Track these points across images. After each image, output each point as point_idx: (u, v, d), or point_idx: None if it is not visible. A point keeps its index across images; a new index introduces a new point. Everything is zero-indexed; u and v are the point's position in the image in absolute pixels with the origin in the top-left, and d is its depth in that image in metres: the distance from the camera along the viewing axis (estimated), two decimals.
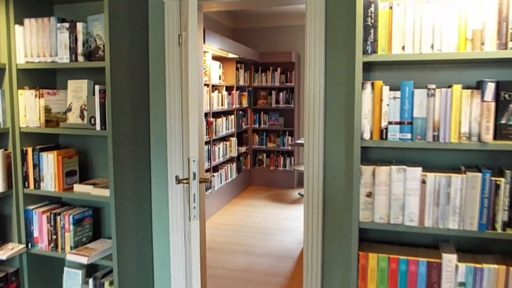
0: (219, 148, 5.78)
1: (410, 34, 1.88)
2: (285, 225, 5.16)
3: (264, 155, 7.23)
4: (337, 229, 2.44)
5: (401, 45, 1.89)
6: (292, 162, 7.07)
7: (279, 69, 6.99)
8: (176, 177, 2.05)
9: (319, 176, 2.42)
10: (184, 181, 2.00)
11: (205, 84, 5.31)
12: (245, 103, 6.87)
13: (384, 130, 1.93)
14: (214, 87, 5.93)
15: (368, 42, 1.91)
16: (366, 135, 1.95)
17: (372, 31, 1.90)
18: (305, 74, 2.40)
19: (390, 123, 1.93)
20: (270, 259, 4.14)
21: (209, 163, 5.45)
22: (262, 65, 7.12)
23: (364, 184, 1.97)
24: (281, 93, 7.03)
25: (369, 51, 1.91)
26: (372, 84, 1.92)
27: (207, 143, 5.43)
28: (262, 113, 7.15)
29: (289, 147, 7.05)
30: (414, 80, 2.09)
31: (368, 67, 2.17)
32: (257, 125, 7.17)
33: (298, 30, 7.11)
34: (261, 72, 7.06)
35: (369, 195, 1.97)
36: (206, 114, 5.39)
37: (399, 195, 1.93)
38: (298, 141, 6.06)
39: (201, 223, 3.33)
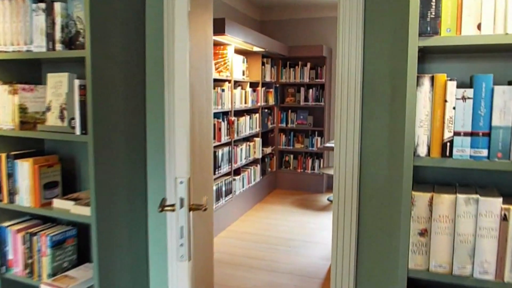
0: (241, 150, 5.27)
1: (490, 6, 1.29)
2: (312, 236, 4.60)
3: (291, 156, 6.67)
4: (375, 263, 1.88)
5: (475, 23, 1.31)
6: (321, 165, 6.48)
7: (308, 64, 6.40)
8: (162, 200, 1.54)
9: (352, 192, 1.87)
10: (169, 207, 1.48)
11: (226, 80, 4.81)
12: (271, 101, 6.33)
13: (448, 144, 1.36)
14: (237, 83, 5.41)
15: (428, 19, 1.34)
16: (422, 150, 1.38)
17: (433, 2, 1.33)
18: (337, 64, 1.85)
19: (456, 133, 1.35)
20: (294, 278, 3.60)
21: (230, 166, 4.95)
22: (290, 59, 6.55)
23: (417, 217, 1.40)
24: (310, 90, 6.45)
25: (429, 31, 1.34)
26: (432, 79, 1.35)
27: (227, 144, 4.92)
28: (289, 111, 6.59)
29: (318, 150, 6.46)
30: (493, 73, 1.50)
31: (423, 55, 1.59)
32: (284, 124, 6.62)
33: (330, 22, 6.50)
34: (289, 67, 6.50)
35: (424, 233, 1.40)
36: (227, 113, 4.88)
37: (467, 236, 1.35)
38: (327, 144, 5.45)
39: (208, 240, 2.83)
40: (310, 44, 6.47)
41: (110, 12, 1.94)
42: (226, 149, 4.83)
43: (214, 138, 4.54)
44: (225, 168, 4.82)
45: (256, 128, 5.77)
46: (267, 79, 6.14)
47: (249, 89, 5.47)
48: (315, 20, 6.57)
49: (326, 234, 4.66)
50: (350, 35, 1.77)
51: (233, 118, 4.89)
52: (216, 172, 4.61)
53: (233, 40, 4.63)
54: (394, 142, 1.75)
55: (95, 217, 1.90)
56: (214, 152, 4.58)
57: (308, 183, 6.54)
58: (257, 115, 5.79)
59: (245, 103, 5.38)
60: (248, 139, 5.72)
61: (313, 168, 6.52)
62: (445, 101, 1.34)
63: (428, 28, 1.34)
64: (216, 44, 4.76)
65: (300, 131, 6.64)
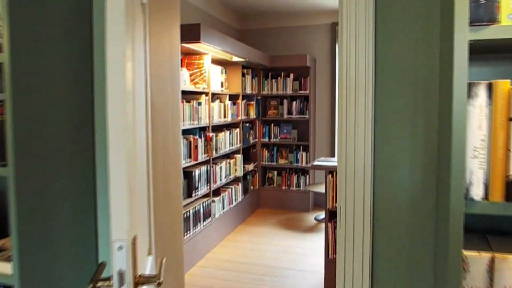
0: (221, 168, 4.79)
1: None
2: (300, 263, 4.13)
3: (275, 173, 6.22)
4: None
5: None
6: (307, 181, 6.04)
7: (291, 75, 5.99)
8: (99, 267, 1.05)
9: (364, 231, 1.42)
10: (104, 283, 0.99)
11: (203, 93, 4.34)
12: (252, 114, 5.88)
13: None
14: (215, 96, 4.95)
15: (481, 2, 0.91)
16: (477, 192, 0.94)
17: None
18: (342, 66, 1.40)
19: None
20: None
21: (208, 186, 4.46)
22: (273, 70, 6.13)
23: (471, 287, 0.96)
24: (294, 102, 6.03)
25: (484, 18, 0.91)
26: (490, 88, 0.92)
27: (205, 162, 4.44)
28: (272, 125, 6.15)
29: (304, 165, 6.02)
30: None
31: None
32: (266, 139, 6.18)
33: (314, 31, 6.12)
34: (271, 78, 6.08)
35: None
36: (204, 128, 4.41)
37: None
38: (318, 162, 4.79)
39: (179, 277, 2.34)
40: (293, 54, 6.08)
41: (44, 13, 1.47)
42: (204, 168, 4.34)
43: (190, 156, 4.06)
44: (203, 189, 4.33)
45: (236, 143, 5.31)
46: (248, 91, 5.70)
47: (228, 102, 5.02)
48: (298, 29, 6.19)
49: (315, 260, 4.20)
50: (358, 20, 1.34)
51: (211, 134, 4.42)
52: (193, 194, 4.12)
53: (210, 48, 4.18)
54: (427, 178, 1.31)
55: (18, 276, 1.40)
56: (190, 173, 4.09)
57: (293, 201, 6.09)
58: (237, 129, 5.33)
59: (225, 117, 4.92)
60: (228, 156, 5.25)
61: (298, 185, 6.08)
62: (510, 119, 0.90)
63: (482, 15, 0.91)
64: (191, 53, 4.30)
65: (284, 146, 6.21)
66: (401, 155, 1.35)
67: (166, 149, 2.68)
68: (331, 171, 3.54)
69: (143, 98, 1.47)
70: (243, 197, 5.49)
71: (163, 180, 2.67)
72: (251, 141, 5.88)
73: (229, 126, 5.28)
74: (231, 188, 5.12)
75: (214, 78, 4.63)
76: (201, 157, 4.26)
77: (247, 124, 5.64)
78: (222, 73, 4.90)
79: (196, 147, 4.12)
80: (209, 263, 4.13)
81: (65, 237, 1.60)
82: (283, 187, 6.14)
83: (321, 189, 5.46)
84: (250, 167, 5.72)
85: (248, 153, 5.84)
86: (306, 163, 6.01)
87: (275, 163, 6.17)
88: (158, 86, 2.52)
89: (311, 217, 5.75)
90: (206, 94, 4.39)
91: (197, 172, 4.19)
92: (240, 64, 5.37)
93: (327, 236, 3.59)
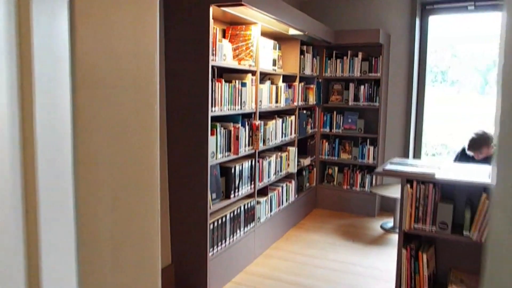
0: (269, 163, 3.97)
1: None
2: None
3: (336, 169, 5.29)
4: None
5: None
6: (374, 182, 5.05)
7: (360, 54, 4.98)
8: None
9: None
10: None
11: (249, 71, 3.52)
12: (312, 100, 4.97)
13: None
14: (265, 76, 4.11)
15: None
16: None
17: None
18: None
19: None
20: None
21: (252, 185, 3.66)
22: (337, 48, 5.15)
23: None
24: (362, 87, 5.03)
25: None
26: None
27: (249, 157, 3.63)
28: (335, 113, 5.20)
29: (370, 161, 5.03)
30: None
31: None
32: (327, 129, 5.24)
33: (389, 0, 5.04)
34: (336, 58, 5.11)
35: None
36: (249, 115, 3.59)
37: None
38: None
39: None
40: (362, 28, 5.05)
41: None
42: (247, 163, 3.54)
43: (229, 149, 3.27)
44: (245, 189, 3.54)
45: (290, 134, 4.44)
46: (307, 72, 4.79)
47: (282, 84, 4.15)
48: None
49: (382, 287, 3.27)
50: None
51: (257, 122, 3.59)
52: (232, 195, 3.34)
53: (259, 16, 3.32)
54: None
55: None
56: (228, 169, 3.31)
57: (355, 203, 5.13)
58: (292, 117, 4.45)
59: (277, 102, 4.07)
60: (279, 148, 4.41)
61: (362, 185, 5.11)
62: None
63: None
64: (236, 22, 3.48)
65: (347, 138, 5.24)
66: None
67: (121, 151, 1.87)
68: (410, 179, 2.58)
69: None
70: (296, 196, 4.64)
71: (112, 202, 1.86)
72: (309, 131, 4.98)
73: (281, 113, 4.42)
74: (282, 187, 4.28)
75: (265, 55, 3.78)
76: (244, 150, 3.46)
77: (305, 111, 4.74)
78: (275, 48, 4.03)
79: (237, 137, 3.31)
80: (247, 279, 3.35)
81: None
82: (345, 186, 5.20)
83: (391, 193, 4.46)
84: (307, 161, 4.84)
85: (304, 145, 4.95)
86: (374, 159, 5.01)
87: (336, 158, 5.23)
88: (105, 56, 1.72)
89: (376, 225, 4.78)
90: (253, 73, 3.56)
91: (237, 168, 3.40)
92: (298, 40, 4.47)
93: (400, 264, 2.65)
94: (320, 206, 5.32)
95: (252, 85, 3.52)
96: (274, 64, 4.02)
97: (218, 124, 3.09)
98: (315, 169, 5.23)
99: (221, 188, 3.24)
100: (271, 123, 3.94)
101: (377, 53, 4.94)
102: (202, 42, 2.86)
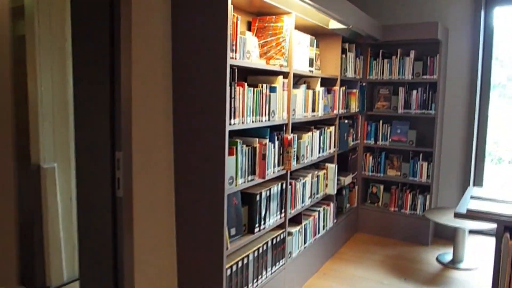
0: (304, 185, 3.21)
1: None
2: None
3: (381, 187, 4.46)
4: None
5: None
6: (427, 204, 4.20)
7: (412, 53, 4.15)
8: None
9: None
10: None
11: (279, 73, 2.79)
12: (354, 107, 4.18)
13: None
14: (300, 79, 3.37)
15: None
16: None
17: None
18: None
19: None
20: None
21: (283, 214, 2.92)
22: (385, 46, 4.34)
23: None
24: (414, 92, 4.20)
25: None
26: None
27: (279, 179, 2.90)
28: (381, 122, 4.38)
29: (423, 179, 4.18)
30: None
31: None
32: (371, 141, 4.43)
33: None
34: (383, 57, 4.30)
35: None
36: (280, 127, 2.86)
37: None
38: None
39: None
40: (416, 22, 4.21)
41: None
42: (276, 187, 2.81)
43: (253, 172, 2.54)
44: (274, 219, 2.81)
45: (329, 148, 3.67)
46: (349, 74, 4.01)
47: (320, 89, 3.39)
48: None
49: None
50: None
51: (290, 135, 2.85)
52: (257, 229, 2.61)
53: (293, 2, 2.59)
54: None
55: None
56: (253, 196, 2.58)
57: (405, 228, 4.29)
58: (332, 128, 3.68)
59: (313, 110, 3.31)
60: (316, 165, 3.64)
61: (414, 208, 4.26)
62: None
63: None
64: (265, 12, 2.76)
65: (396, 152, 4.41)
66: None
67: None
68: None
69: None
70: (335, 221, 3.86)
71: None
72: (351, 143, 4.19)
73: (319, 124, 3.66)
74: (318, 211, 3.52)
75: (300, 53, 3.04)
76: (272, 171, 2.72)
77: (346, 121, 3.96)
78: (312, 45, 3.28)
79: (264, 156, 2.58)
80: None
81: None
82: (392, 208, 4.37)
83: (449, 219, 3.60)
84: (348, 179, 4.04)
85: (345, 161, 4.16)
86: (427, 177, 4.16)
87: (381, 175, 4.41)
88: None
89: (431, 256, 3.93)
90: (285, 75, 2.83)
91: (264, 194, 2.67)
92: (339, 36, 3.70)
93: None
94: (363, 230, 4.50)
95: (283, 90, 2.79)
96: (311, 64, 3.27)
97: (239, 141, 2.37)
98: (356, 186, 4.43)
99: (242, 221, 2.52)
100: (306, 136, 3.19)
101: (434, 51, 4.09)
102: (218, 34, 2.15)
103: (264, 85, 2.56)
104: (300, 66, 3.06)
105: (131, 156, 2.02)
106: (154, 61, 2.17)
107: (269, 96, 2.61)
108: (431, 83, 4.13)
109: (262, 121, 2.56)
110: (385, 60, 4.27)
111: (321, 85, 3.45)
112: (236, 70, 2.28)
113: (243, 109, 2.37)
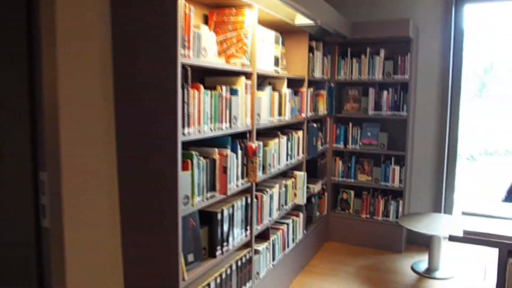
0: (271, 197, 2.89)
1: None
2: None
3: (352, 193, 4.21)
4: None
5: None
6: (400, 210, 3.98)
7: (382, 52, 3.92)
8: None
9: None
10: None
11: (241, 73, 2.45)
12: (322, 109, 3.90)
13: None
14: (264, 80, 3.06)
15: None
16: None
17: None
18: None
19: None
20: None
21: (249, 232, 2.59)
22: (354, 45, 4.09)
23: None
24: (385, 92, 3.97)
25: None
26: None
27: (244, 192, 2.56)
28: (350, 125, 4.13)
29: (396, 184, 3.96)
30: None
31: None
32: (341, 145, 4.17)
33: None
34: (352, 56, 4.04)
35: None
36: (244, 135, 2.52)
37: None
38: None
39: None
40: (386, 19, 3.99)
41: None
42: (239, 202, 2.47)
43: (213, 188, 2.19)
44: (238, 238, 2.47)
45: (298, 155, 3.37)
46: (317, 74, 3.72)
47: (287, 91, 3.08)
48: None
49: None
50: None
51: (255, 143, 2.52)
52: (219, 251, 2.27)
53: None
54: None
55: None
56: (212, 216, 2.24)
57: (377, 236, 4.06)
58: (299, 133, 3.38)
59: (280, 114, 2.99)
60: (284, 174, 3.34)
61: (386, 214, 4.03)
62: None
63: None
64: (224, 4, 2.41)
65: (366, 156, 4.17)
66: None
67: None
68: None
69: None
70: (305, 232, 3.57)
71: None
72: (319, 148, 3.91)
73: (286, 128, 3.36)
74: (288, 224, 3.21)
75: (264, 51, 2.71)
76: (236, 185, 2.39)
77: (315, 124, 3.67)
78: (277, 43, 2.96)
79: (226, 169, 2.24)
80: None
81: None
82: (364, 215, 4.13)
83: (425, 227, 3.38)
84: (317, 187, 3.75)
85: (314, 167, 3.87)
86: (400, 182, 3.94)
87: (352, 180, 4.16)
88: None
89: (405, 264, 3.71)
90: (248, 75, 2.49)
91: (226, 212, 2.32)
92: (306, 33, 3.40)
93: None
94: (334, 239, 4.24)
95: (246, 92, 2.45)
96: (277, 63, 2.95)
97: (194, 153, 2.02)
98: (326, 193, 4.16)
99: (201, 245, 2.17)
100: (272, 143, 2.87)
101: (404, 50, 3.87)
102: (166, 26, 1.79)
103: (224, 87, 2.22)
104: (265, 65, 2.74)
105: (59, 177, 1.62)
106: (89, 60, 1.79)
107: (230, 99, 2.27)
108: (403, 84, 3.91)
109: (222, 129, 2.22)
110: (354, 59, 4.01)
111: (288, 87, 3.15)
112: (189, 70, 1.92)
113: (199, 116, 2.02)
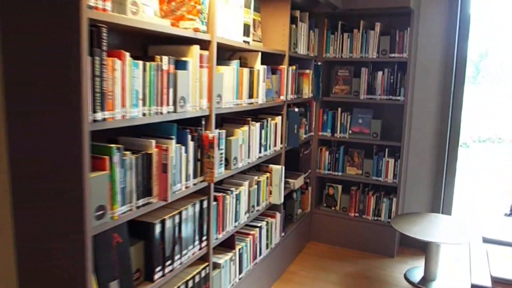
0: (237, 198, 2.35)
1: None
2: None
3: (339, 188, 3.68)
4: None
5: None
6: (394, 209, 3.45)
7: (378, 26, 3.34)
8: None
9: None
10: None
11: (194, 40, 1.87)
12: (307, 91, 3.33)
13: None
14: (234, 53, 2.48)
15: None
16: None
17: None
18: None
19: None
20: None
21: (204, 244, 2.05)
22: (345, 17, 3.50)
23: None
24: (379, 73, 3.40)
25: None
26: None
27: (200, 193, 2.01)
28: (339, 110, 3.57)
29: (390, 179, 3.43)
30: None
31: None
32: (328, 133, 3.62)
33: None
34: (342, 31, 3.46)
35: None
36: (197, 121, 1.95)
37: None
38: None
39: None
40: None
41: None
42: (191, 209, 1.92)
43: (149, 192, 1.63)
44: (189, 253, 1.93)
45: (275, 145, 2.81)
46: (301, 50, 3.14)
47: (261, 67, 2.50)
48: None
49: None
50: None
51: (213, 132, 1.96)
52: (161, 272, 1.73)
53: None
54: None
55: None
56: (150, 228, 1.68)
57: (367, 237, 3.55)
58: (278, 119, 2.82)
59: (251, 96, 2.42)
60: (257, 167, 2.79)
61: (377, 213, 3.51)
62: None
63: None
64: None
65: (357, 146, 3.63)
66: None
67: None
68: None
69: None
70: (283, 234, 3.04)
71: None
72: (303, 136, 3.35)
73: (261, 113, 2.79)
74: (260, 227, 2.67)
75: (229, 15, 2.13)
76: (185, 186, 1.83)
77: (297, 109, 3.10)
78: (248, 7, 2.37)
79: (166, 168, 1.68)
80: None
81: None
82: (352, 213, 3.60)
83: (418, 231, 2.85)
84: (298, 182, 3.21)
85: (295, 159, 3.32)
86: (394, 177, 3.41)
87: (340, 173, 3.62)
88: None
89: (397, 272, 3.20)
90: (205, 45, 1.91)
91: (170, 222, 1.77)
92: (288, 2, 2.81)
93: None
94: (317, 239, 3.72)
95: (202, 67, 1.88)
96: (247, 33, 2.36)
97: (114, 147, 1.45)
98: (310, 187, 3.62)
99: (132, 267, 1.62)
100: (240, 132, 2.30)
101: (403, 24, 3.29)
102: None
103: (166, 58, 1.64)
104: (230, 34, 2.15)
105: None
106: None
107: (175, 75, 1.69)
108: (400, 63, 3.34)
109: (162, 113, 1.65)
110: (345, 35, 3.43)
111: (263, 63, 2.57)
112: (104, 30, 1.34)
113: (123, 95, 1.45)
